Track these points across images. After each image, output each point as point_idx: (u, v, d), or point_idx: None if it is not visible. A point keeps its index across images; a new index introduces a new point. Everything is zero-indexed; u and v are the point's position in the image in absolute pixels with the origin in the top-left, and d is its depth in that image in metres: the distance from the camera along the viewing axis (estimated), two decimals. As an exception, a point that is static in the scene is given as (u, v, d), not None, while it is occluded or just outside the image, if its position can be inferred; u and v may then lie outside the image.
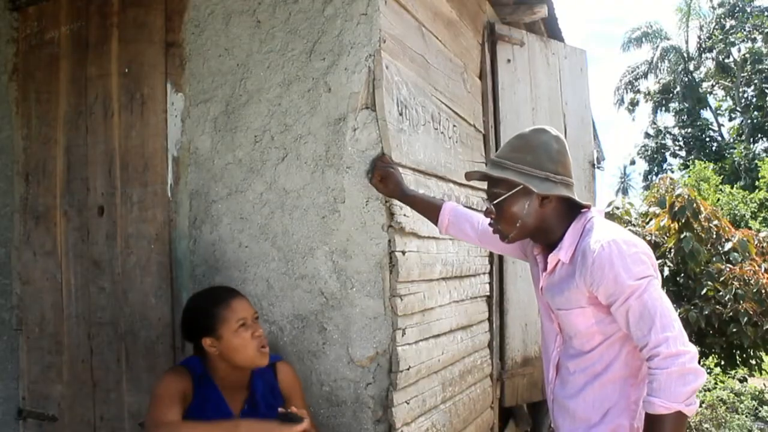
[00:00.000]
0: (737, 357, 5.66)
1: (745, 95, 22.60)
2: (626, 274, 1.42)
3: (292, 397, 1.85)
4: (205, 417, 1.77)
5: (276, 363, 1.89)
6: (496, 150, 3.34)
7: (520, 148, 1.60)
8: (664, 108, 24.60)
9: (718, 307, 5.09)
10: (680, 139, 23.53)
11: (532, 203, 1.58)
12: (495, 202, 1.61)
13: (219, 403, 1.80)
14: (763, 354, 5.49)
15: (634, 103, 25.25)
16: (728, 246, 5.51)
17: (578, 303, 1.55)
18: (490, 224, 1.69)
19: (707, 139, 22.93)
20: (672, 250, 5.52)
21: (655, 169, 23.92)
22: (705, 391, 5.14)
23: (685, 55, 23.53)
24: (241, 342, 1.74)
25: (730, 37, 22.10)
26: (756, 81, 21.91)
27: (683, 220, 5.39)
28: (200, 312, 1.81)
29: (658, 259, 5.58)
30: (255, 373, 1.83)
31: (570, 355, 1.64)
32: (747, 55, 21.96)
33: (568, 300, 1.57)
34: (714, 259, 5.46)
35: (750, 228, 8.95)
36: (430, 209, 2.02)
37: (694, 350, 1.38)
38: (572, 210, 1.62)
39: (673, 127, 24.17)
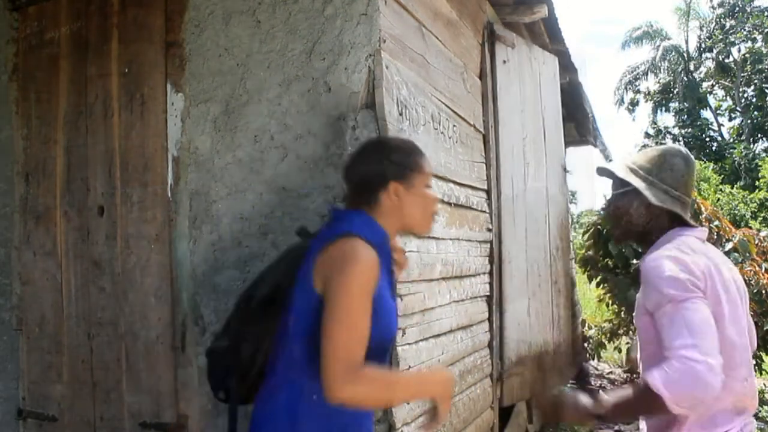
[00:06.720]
0: (737, 357, 5.64)
1: (745, 95, 22.58)
2: (659, 292, 1.51)
3: None
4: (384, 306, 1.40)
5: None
6: (496, 150, 3.36)
7: (652, 159, 1.72)
8: (664, 108, 24.57)
9: (718, 307, 5.08)
10: (680, 139, 23.48)
11: (641, 207, 1.69)
12: (610, 197, 1.78)
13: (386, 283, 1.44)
14: (763, 354, 5.48)
15: (634, 103, 25.20)
16: (729, 246, 5.50)
17: (643, 311, 1.62)
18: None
19: (707, 139, 22.90)
20: (672, 250, 5.50)
21: (655, 169, 23.83)
22: (705, 391, 5.15)
23: (685, 55, 23.50)
24: (426, 202, 1.48)
25: (730, 37, 22.06)
26: (756, 81, 21.88)
27: (683, 220, 5.38)
28: (400, 153, 1.49)
29: (658, 259, 5.59)
30: None
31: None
32: (747, 55, 21.94)
33: (639, 305, 1.65)
34: (714, 259, 5.45)
35: (750, 228, 8.93)
36: None
37: (714, 362, 1.38)
38: (678, 226, 1.69)
39: (673, 127, 24.13)
